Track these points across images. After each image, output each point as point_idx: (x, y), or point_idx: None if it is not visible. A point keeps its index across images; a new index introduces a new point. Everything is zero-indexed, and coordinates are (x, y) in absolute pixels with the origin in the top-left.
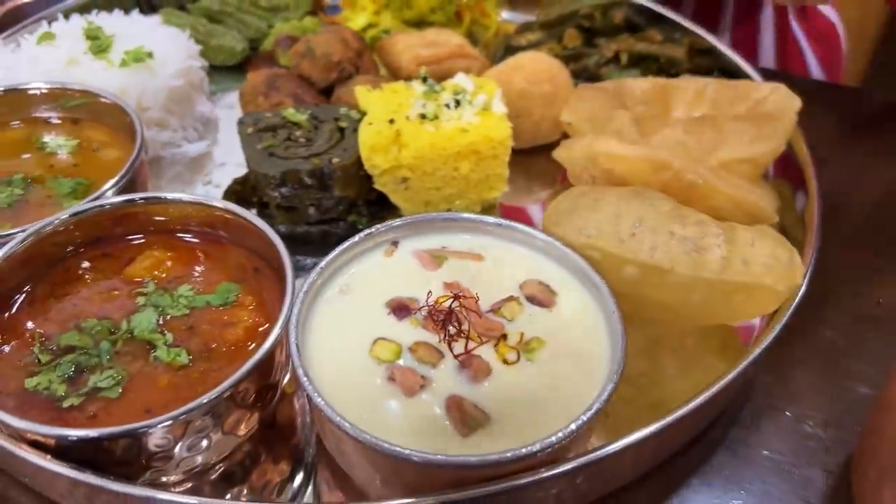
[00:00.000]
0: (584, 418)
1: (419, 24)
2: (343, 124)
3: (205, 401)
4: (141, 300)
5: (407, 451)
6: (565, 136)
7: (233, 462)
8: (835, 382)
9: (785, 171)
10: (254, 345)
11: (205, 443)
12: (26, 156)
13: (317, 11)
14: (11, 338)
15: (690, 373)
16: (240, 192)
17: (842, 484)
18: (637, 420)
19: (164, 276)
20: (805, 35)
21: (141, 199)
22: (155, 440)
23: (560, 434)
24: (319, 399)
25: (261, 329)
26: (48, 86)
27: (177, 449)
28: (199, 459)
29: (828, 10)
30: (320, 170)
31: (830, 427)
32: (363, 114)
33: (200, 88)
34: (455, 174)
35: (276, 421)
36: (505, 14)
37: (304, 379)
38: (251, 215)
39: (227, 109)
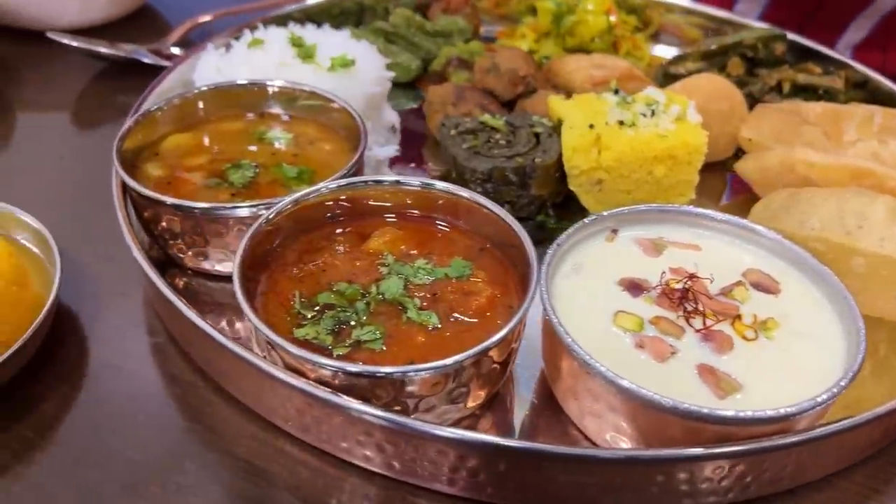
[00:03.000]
0: (835, 390)
1: (579, 51)
2: (538, 130)
3: (472, 353)
4: (384, 269)
5: (692, 406)
6: (738, 152)
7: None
8: None
9: None
10: (490, 313)
11: (456, 393)
12: (252, 147)
13: (474, 38)
14: (272, 294)
15: (881, 378)
16: None
17: None
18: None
19: (399, 250)
20: None
21: (390, 181)
22: (418, 385)
23: (818, 399)
24: (585, 355)
25: (499, 297)
26: (280, 85)
27: (432, 397)
28: (442, 411)
29: None
30: (523, 168)
31: None
32: (554, 122)
33: (387, 98)
34: (648, 178)
35: (492, 404)
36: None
37: (568, 339)
38: (482, 198)
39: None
